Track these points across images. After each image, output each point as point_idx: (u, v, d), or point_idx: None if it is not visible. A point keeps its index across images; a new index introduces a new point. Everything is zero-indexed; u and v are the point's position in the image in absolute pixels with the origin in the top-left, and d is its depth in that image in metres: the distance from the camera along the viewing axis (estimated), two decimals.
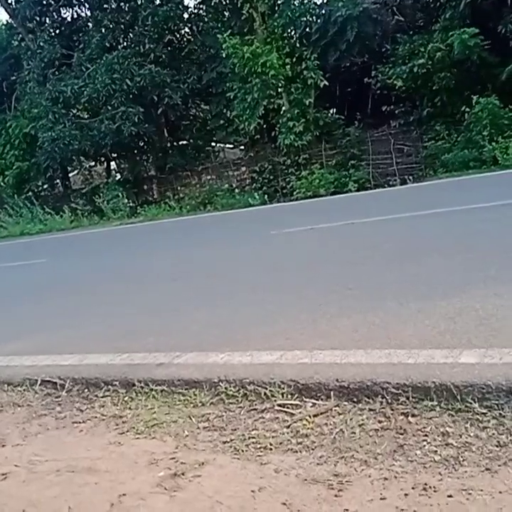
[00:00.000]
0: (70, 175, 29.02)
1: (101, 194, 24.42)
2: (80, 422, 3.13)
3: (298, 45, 19.98)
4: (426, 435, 2.33)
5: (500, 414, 2.34)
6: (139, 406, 3.16)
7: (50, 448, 2.87)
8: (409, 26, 21.27)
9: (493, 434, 2.23)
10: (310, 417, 2.66)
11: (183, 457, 2.54)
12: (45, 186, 27.81)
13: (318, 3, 20.82)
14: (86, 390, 3.51)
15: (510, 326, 3.12)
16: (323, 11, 19.52)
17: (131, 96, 22.75)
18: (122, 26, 24.07)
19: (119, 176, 27.36)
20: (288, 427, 2.63)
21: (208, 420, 2.85)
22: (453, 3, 17.24)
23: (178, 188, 24.92)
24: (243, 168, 24.13)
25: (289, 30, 20.25)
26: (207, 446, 2.62)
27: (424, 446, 2.26)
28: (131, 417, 3.05)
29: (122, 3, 23.81)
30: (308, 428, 2.57)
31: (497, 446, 2.16)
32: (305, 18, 19.49)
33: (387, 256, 6.09)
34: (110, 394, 3.40)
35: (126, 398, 3.30)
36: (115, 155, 26.90)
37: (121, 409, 3.19)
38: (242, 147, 25.71)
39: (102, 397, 3.38)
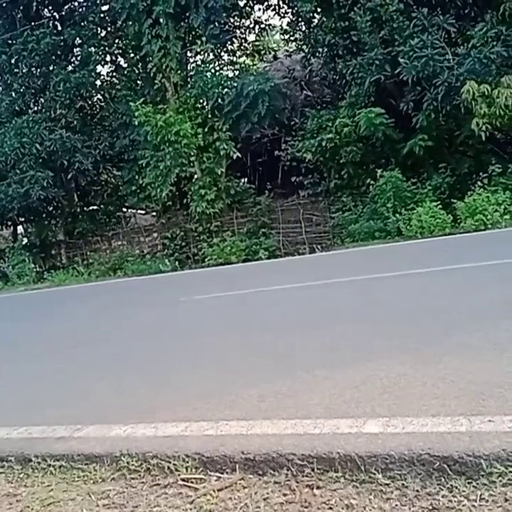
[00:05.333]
0: None
1: (6, 259, 23.73)
2: None
3: (210, 115, 20.44)
4: (330, 508, 2.29)
5: (402, 484, 2.34)
6: (36, 483, 2.99)
7: None
8: (317, 101, 22.21)
9: (396, 505, 2.23)
10: (214, 491, 2.58)
11: None
12: None
13: (230, 75, 21.46)
14: None
15: (412, 395, 3.17)
16: (235, 84, 20.06)
17: (40, 160, 22.50)
18: (33, 91, 23.95)
19: (25, 240, 26.69)
20: (191, 502, 2.54)
21: (108, 497, 2.72)
22: (358, 81, 18.08)
23: (88, 253, 24.55)
24: (155, 234, 24.08)
25: (201, 101, 20.71)
26: None
27: None
28: (26, 495, 2.88)
29: (34, 68, 23.72)
30: (212, 503, 2.49)
31: None
32: (217, 90, 19.97)
33: (295, 323, 6.12)
34: (5, 471, 3.20)
35: (21, 475, 3.12)
36: (22, 219, 26.27)
37: (16, 486, 3.00)
38: (154, 213, 25.70)
39: None
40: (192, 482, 2.71)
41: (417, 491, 2.29)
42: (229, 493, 2.57)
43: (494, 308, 5.23)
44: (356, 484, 2.42)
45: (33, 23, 23.27)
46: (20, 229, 27.74)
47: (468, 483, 2.26)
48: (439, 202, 16.49)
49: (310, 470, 2.57)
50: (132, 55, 24.56)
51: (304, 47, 22.10)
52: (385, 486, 2.36)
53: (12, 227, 27.34)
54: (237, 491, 2.57)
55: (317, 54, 21.29)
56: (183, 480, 2.73)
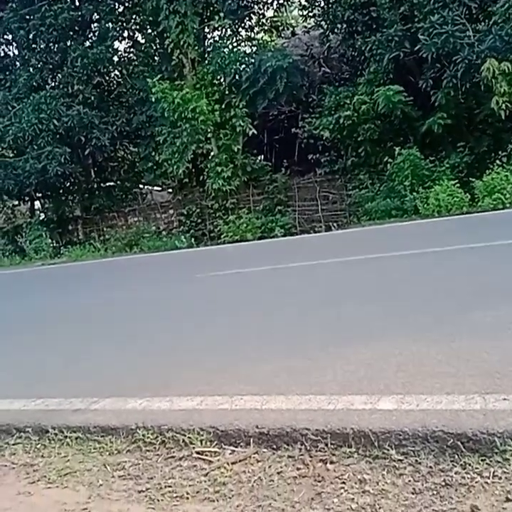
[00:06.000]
0: None
1: (23, 234, 23.89)
2: None
3: (227, 92, 20.32)
4: (343, 482, 2.31)
5: (416, 460, 2.35)
6: (52, 454, 3.03)
7: None
8: (336, 78, 21.98)
9: (409, 480, 2.24)
10: (228, 464, 2.61)
11: (95, 507, 2.44)
12: None
13: (248, 52, 21.30)
14: None
15: (426, 372, 3.17)
16: (253, 60, 19.91)
17: (58, 136, 22.52)
18: (51, 66, 23.89)
19: (43, 216, 26.81)
20: (206, 475, 2.57)
21: (123, 468, 2.76)
22: (377, 57, 17.88)
23: (104, 229, 24.64)
24: (171, 211, 24.10)
25: (219, 77, 20.58)
26: (121, 495, 2.52)
27: (342, 493, 2.24)
28: (43, 466, 2.92)
29: (51, 44, 23.63)
30: (226, 476, 2.52)
31: (413, 493, 2.16)
32: (235, 67, 19.83)
33: (310, 301, 6.13)
34: (22, 441, 3.25)
35: (38, 445, 3.16)
36: (40, 194, 26.37)
37: (33, 457, 3.05)
38: (171, 190, 25.69)
39: (13, 444, 3.23)
40: (206, 455, 2.74)
41: (430, 467, 2.30)
42: (243, 466, 2.59)
43: (509, 288, 5.21)
44: (369, 460, 2.44)
45: None
46: (37, 204, 27.86)
47: (482, 460, 2.27)
48: (456, 180, 16.34)
49: (324, 445, 2.59)
50: (150, 30, 24.43)
51: (323, 23, 21.79)
52: (399, 462, 2.37)
53: (29, 203, 27.44)
54: (251, 465, 2.59)
55: (336, 30, 21.02)
56: (197, 453, 2.76)
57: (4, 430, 3.36)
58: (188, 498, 2.40)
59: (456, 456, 2.32)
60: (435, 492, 2.15)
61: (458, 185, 16.14)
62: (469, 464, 2.26)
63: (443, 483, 2.19)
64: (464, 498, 2.08)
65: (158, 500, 2.42)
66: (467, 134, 17.83)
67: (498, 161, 16.09)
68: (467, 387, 2.87)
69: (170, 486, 2.52)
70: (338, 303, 5.76)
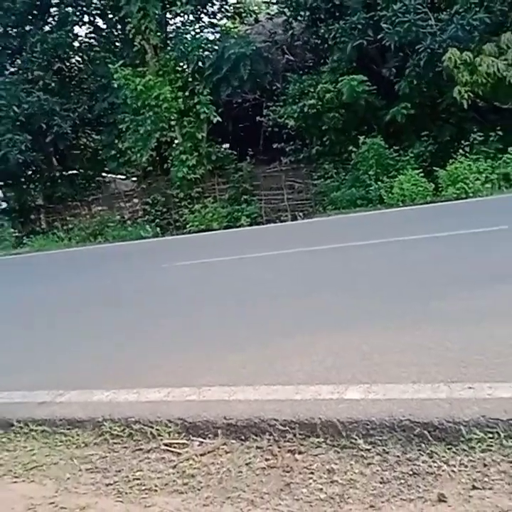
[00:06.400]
0: None
1: None
2: None
3: (191, 79, 20.16)
4: (312, 473, 2.32)
5: (383, 450, 2.37)
6: (18, 448, 2.99)
7: None
8: (299, 66, 21.92)
9: (377, 470, 2.26)
10: (197, 456, 2.60)
11: (63, 502, 2.41)
12: None
13: (211, 38, 21.15)
14: None
15: (392, 361, 3.20)
16: (216, 47, 19.80)
17: (18, 123, 22.14)
18: (9, 51, 23.57)
19: (4, 205, 26.38)
20: (174, 467, 2.56)
21: (90, 461, 2.73)
22: (340, 45, 17.90)
23: (67, 218, 24.32)
24: (135, 200, 23.89)
25: (182, 64, 20.42)
26: (89, 489, 2.50)
27: (310, 484, 2.25)
28: (8, 460, 2.88)
29: (9, 28, 23.24)
30: (194, 468, 2.51)
31: (381, 482, 2.18)
32: (198, 53, 19.69)
33: (277, 291, 6.14)
34: None
35: (3, 439, 3.12)
36: (1, 183, 25.94)
37: None
38: (135, 178, 25.48)
39: None
40: (174, 447, 2.72)
41: (398, 456, 2.32)
42: (211, 457, 2.59)
43: (472, 277, 5.28)
44: (338, 449, 2.45)
45: None
46: None
47: (448, 448, 2.29)
48: (420, 170, 16.51)
49: (292, 435, 2.59)
50: (111, 15, 24.10)
51: (286, 10, 21.71)
52: (366, 452, 2.38)
53: None
54: (220, 456, 2.59)
55: (299, 17, 20.98)
56: (165, 445, 2.75)
57: None
58: (156, 491, 2.39)
59: (423, 445, 2.35)
60: (403, 481, 2.17)
61: (422, 174, 16.31)
62: (436, 453, 2.28)
63: (410, 472, 2.21)
64: (431, 486, 2.11)
65: (126, 493, 2.40)
66: (430, 124, 17.98)
67: (461, 150, 16.27)
68: (433, 376, 2.89)
69: (138, 479, 2.50)
70: (304, 293, 5.78)
